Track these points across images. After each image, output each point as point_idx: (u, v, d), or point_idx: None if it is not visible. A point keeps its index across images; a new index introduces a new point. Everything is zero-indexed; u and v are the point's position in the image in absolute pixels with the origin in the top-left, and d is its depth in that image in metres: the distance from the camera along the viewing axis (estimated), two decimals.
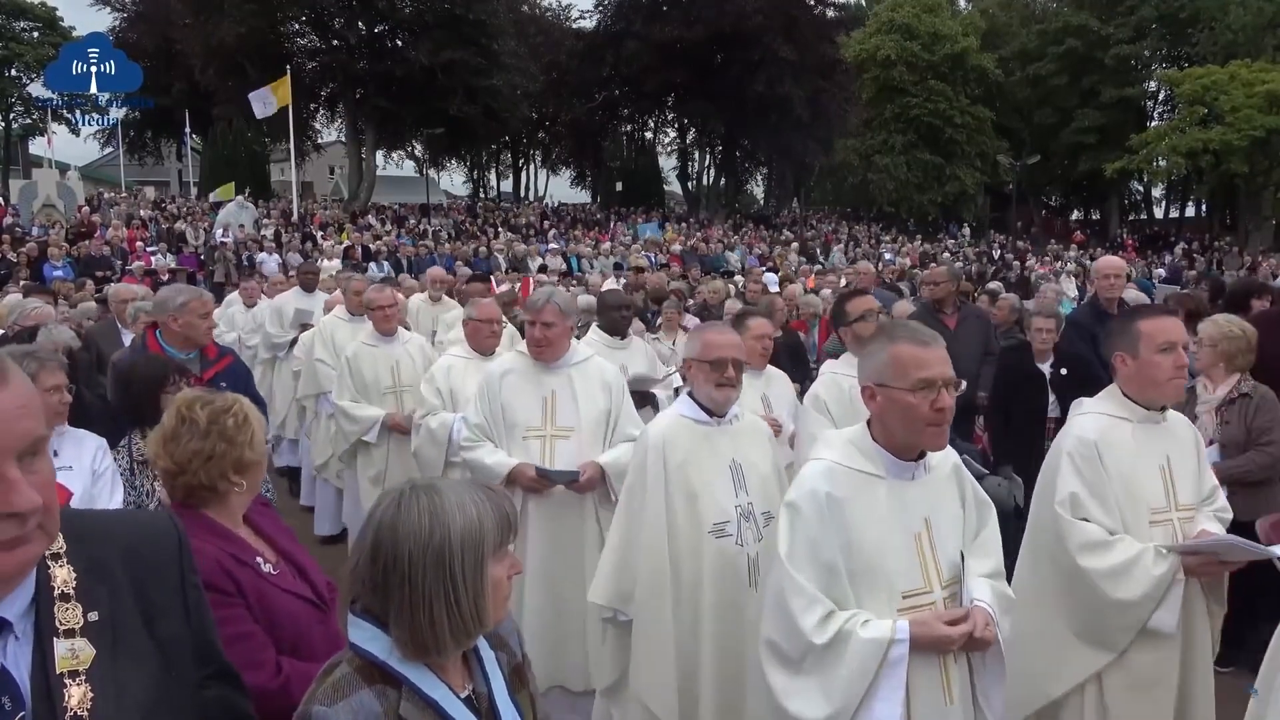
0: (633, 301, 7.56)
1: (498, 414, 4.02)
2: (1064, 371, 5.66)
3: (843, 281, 12.19)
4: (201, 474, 2.16)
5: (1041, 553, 2.92)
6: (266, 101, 24.76)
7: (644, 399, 5.73)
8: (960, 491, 2.42)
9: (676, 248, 24.30)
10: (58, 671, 1.25)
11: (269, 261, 17.61)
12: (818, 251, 27.09)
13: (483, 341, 4.95)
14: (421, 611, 1.45)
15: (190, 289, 4.75)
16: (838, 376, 4.01)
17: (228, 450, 2.17)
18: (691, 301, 9.91)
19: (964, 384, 2.33)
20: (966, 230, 36.08)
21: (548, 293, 4.21)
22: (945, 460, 2.40)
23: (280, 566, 2.26)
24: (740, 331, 3.89)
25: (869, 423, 2.35)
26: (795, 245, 26.71)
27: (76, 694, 1.26)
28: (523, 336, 4.61)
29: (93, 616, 1.31)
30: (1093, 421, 2.89)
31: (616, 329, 6.01)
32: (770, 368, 4.90)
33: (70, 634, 1.28)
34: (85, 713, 1.26)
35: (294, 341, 7.92)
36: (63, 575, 1.31)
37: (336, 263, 17.28)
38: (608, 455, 3.95)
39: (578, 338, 6.38)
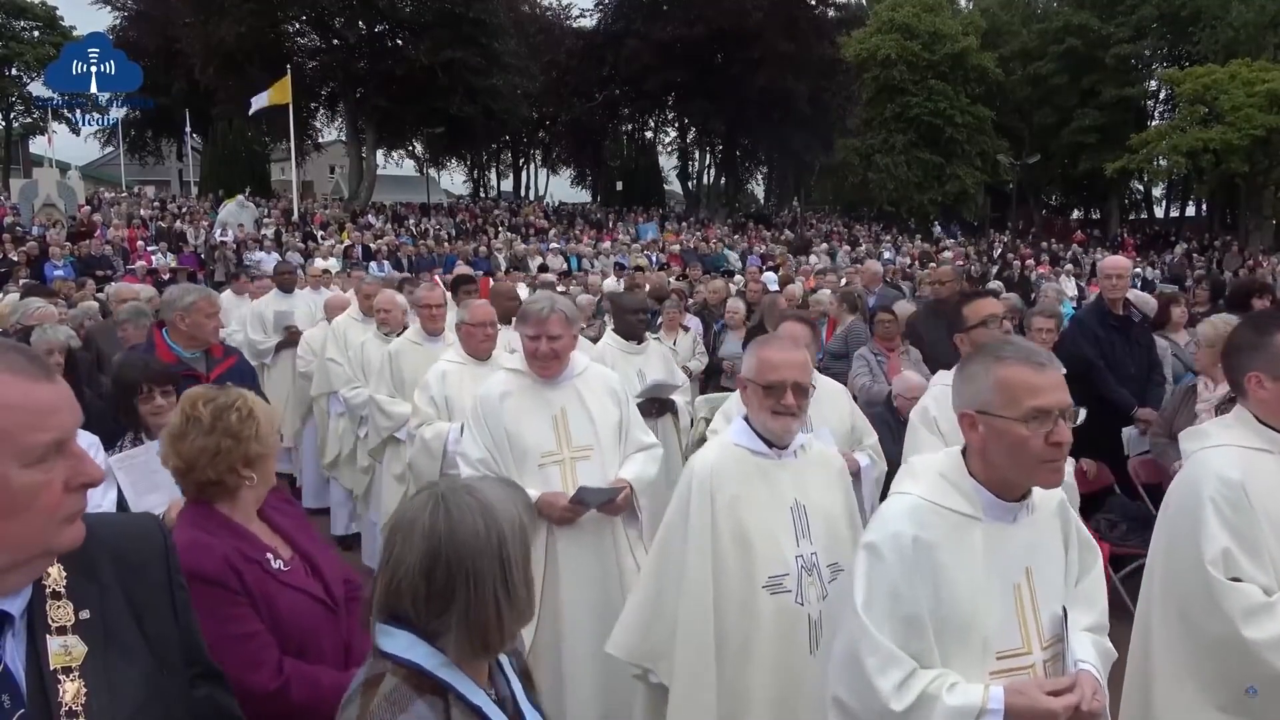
0: (649, 305, 7.46)
1: (503, 442, 3.50)
2: (1063, 371, 5.64)
3: (843, 281, 12.18)
4: (210, 470, 2.18)
5: (1176, 616, 2.48)
6: (260, 98, 24.84)
7: (664, 406, 5.57)
8: (1065, 533, 2.11)
9: (676, 247, 24.26)
10: (51, 668, 1.26)
11: (266, 261, 17.61)
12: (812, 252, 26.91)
13: (477, 346, 4.64)
14: (489, 609, 1.45)
15: (198, 288, 4.74)
16: (950, 390, 3.54)
17: (233, 445, 2.19)
18: (691, 301, 9.91)
19: (1083, 412, 2.01)
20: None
21: (549, 300, 3.64)
22: (1050, 497, 2.07)
23: (293, 563, 2.26)
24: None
25: (964, 452, 2.04)
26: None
27: (70, 690, 1.27)
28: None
29: (84, 614, 1.33)
30: (1232, 457, 2.41)
31: (633, 333, 5.89)
32: (821, 379, 4.07)
33: (62, 631, 1.30)
34: (79, 708, 1.27)
35: (281, 345, 7.91)
36: (54, 574, 1.32)
37: (333, 261, 17.27)
38: (631, 470, 3.61)
39: (594, 339, 6.34)
